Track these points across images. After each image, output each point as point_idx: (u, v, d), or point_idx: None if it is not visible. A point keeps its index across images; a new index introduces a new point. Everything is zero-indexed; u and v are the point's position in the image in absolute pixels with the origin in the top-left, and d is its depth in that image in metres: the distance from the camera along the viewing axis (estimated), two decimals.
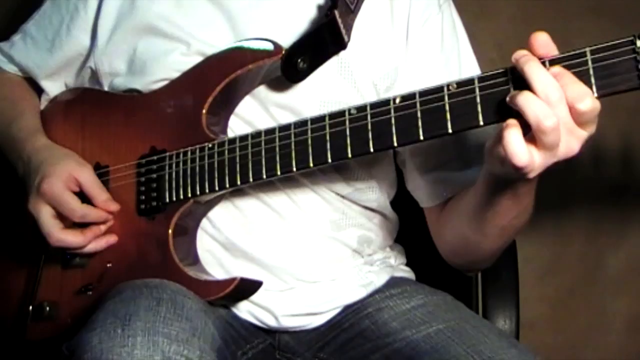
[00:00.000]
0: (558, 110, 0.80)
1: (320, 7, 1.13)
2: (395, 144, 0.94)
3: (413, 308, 1.13)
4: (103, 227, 1.13)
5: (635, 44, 0.79)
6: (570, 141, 0.83)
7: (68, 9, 1.25)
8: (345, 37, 1.09)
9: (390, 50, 1.17)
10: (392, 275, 1.24)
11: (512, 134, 0.81)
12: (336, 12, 1.07)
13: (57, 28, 1.26)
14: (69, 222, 1.12)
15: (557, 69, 0.82)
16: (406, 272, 1.29)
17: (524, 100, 0.81)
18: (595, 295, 2.12)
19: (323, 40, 1.09)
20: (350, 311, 1.18)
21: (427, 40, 1.18)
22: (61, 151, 1.19)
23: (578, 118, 0.81)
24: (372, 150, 0.96)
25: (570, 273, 2.12)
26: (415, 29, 1.17)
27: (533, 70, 0.82)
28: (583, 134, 0.83)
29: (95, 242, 1.13)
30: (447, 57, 1.18)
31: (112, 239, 1.14)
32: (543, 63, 0.83)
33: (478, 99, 0.88)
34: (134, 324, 0.88)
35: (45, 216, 1.11)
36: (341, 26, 1.08)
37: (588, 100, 0.80)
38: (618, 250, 2.12)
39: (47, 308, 1.16)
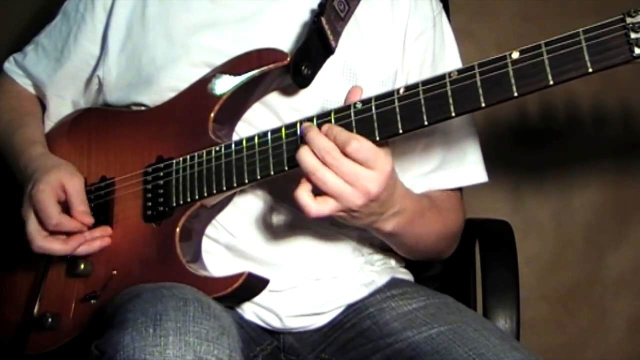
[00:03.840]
0: (330, 160, 0.95)
1: (312, 13, 1.16)
2: (401, 131, 0.97)
3: (415, 309, 1.13)
4: (97, 233, 1.14)
5: (625, 20, 0.85)
6: (356, 185, 0.95)
7: (76, 20, 1.28)
8: (333, 43, 1.13)
9: (390, 55, 1.20)
10: (393, 276, 1.24)
11: (298, 191, 0.97)
12: (323, 19, 1.11)
13: (65, 38, 1.28)
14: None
15: (326, 126, 0.98)
16: (406, 275, 1.30)
17: (299, 154, 0.97)
18: (595, 295, 2.12)
19: (316, 46, 1.12)
20: (352, 311, 1.18)
21: (420, 53, 1.22)
22: (55, 160, 1.20)
23: (355, 158, 0.94)
24: (377, 138, 0.98)
25: (570, 273, 2.12)
26: (410, 40, 1.21)
27: (310, 134, 0.97)
28: (367, 174, 0.95)
29: (86, 245, 1.13)
30: (435, 70, 1.22)
31: (105, 242, 1.14)
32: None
33: (479, 83, 0.92)
34: (165, 324, 0.88)
35: (31, 222, 1.12)
36: (328, 32, 1.12)
37: (354, 142, 0.94)
38: (618, 250, 2.12)
39: (50, 319, 1.15)
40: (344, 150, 0.95)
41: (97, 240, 1.14)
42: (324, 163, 0.95)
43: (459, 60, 1.26)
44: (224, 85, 1.13)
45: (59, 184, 1.13)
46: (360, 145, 0.95)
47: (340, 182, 0.95)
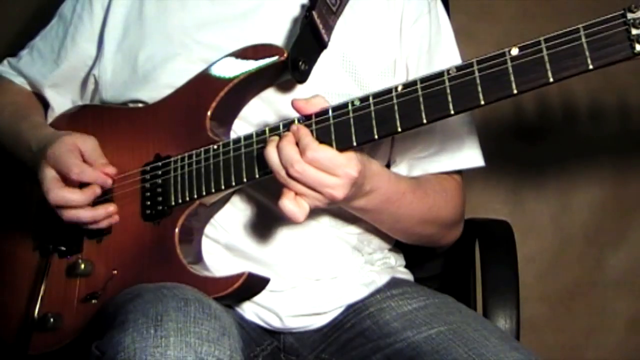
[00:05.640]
0: (293, 172, 0.95)
1: (303, 8, 1.16)
2: (399, 129, 0.96)
3: (415, 309, 1.13)
4: (99, 190, 1.13)
5: (625, 16, 0.84)
6: (322, 192, 0.97)
7: (72, 21, 1.28)
8: (325, 37, 1.13)
9: (388, 44, 1.21)
10: (393, 276, 1.24)
11: (282, 200, 0.97)
12: (314, 13, 1.11)
13: (62, 39, 1.29)
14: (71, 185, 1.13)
15: (294, 126, 0.99)
16: (406, 274, 1.30)
17: (266, 153, 0.98)
18: (595, 295, 2.12)
19: (309, 40, 1.12)
20: (352, 311, 1.18)
21: (416, 39, 1.22)
22: (66, 132, 1.20)
23: (315, 166, 0.96)
24: (376, 137, 0.97)
25: (570, 273, 2.12)
26: (407, 27, 1.22)
27: (281, 143, 0.97)
28: (331, 182, 0.96)
29: (94, 210, 1.12)
30: (431, 56, 1.23)
31: (110, 207, 1.13)
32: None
33: (478, 80, 0.91)
34: (166, 324, 0.88)
35: (48, 176, 1.11)
36: (320, 26, 1.12)
37: (309, 152, 0.95)
38: (618, 250, 2.12)
39: (52, 319, 1.15)
40: (303, 157, 0.96)
41: (102, 206, 1.13)
42: (289, 175, 0.96)
43: (455, 45, 1.27)
44: (220, 82, 1.12)
45: (73, 144, 1.13)
46: (315, 155, 0.95)
47: (305, 189, 0.97)
